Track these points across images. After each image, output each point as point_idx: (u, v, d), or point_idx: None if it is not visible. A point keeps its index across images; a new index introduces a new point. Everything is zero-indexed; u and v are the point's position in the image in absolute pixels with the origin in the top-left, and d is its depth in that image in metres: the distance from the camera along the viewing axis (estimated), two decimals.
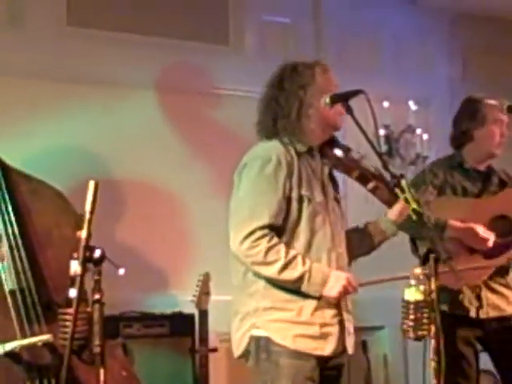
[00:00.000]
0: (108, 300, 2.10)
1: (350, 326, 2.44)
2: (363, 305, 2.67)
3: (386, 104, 3.30)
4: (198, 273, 3.43)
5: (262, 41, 4.25)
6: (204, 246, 3.70)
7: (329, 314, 2.39)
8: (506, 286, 3.18)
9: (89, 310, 2.12)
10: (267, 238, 2.30)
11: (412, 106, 3.60)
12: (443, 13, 4.45)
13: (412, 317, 2.18)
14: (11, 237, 2.78)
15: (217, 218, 3.07)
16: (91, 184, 2.00)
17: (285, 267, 2.30)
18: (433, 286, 2.14)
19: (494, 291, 3.15)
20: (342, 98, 2.36)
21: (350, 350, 2.43)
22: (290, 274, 2.30)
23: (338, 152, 2.47)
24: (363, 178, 2.46)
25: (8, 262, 2.75)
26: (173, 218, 3.91)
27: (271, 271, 2.30)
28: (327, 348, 2.36)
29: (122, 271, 2.26)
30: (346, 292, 2.35)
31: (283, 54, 3.80)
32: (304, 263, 2.31)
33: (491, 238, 3.01)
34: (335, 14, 4.32)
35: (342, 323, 2.41)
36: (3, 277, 2.71)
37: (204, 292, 3.39)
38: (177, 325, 3.60)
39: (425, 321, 2.18)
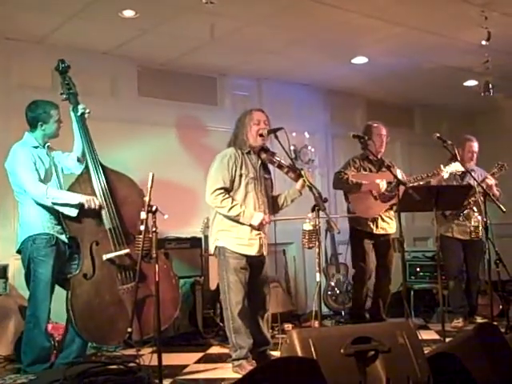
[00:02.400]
0: (159, 230, 3.50)
1: (265, 241, 4.00)
2: (284, 232, 4.11)
3: (294, 134, 5.08)
4: (203, 217, 5.23)
5: (233, 103, 6.42)
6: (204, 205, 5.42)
7: (253, 233, 3.93)
8: (390, 217, 5.25)
9: (150, 236, 3.47)
10: (222, 194, 3.85)
11: (306, 134, 5.47)
12: (320, 89, 6.91)
13: (306, 237, 3.94)
14: (106, 196, 3.90)
15: (204, 193, 4.97)
16: (151, 174, 3.47)
17: (230, 209, 3.83)
18: (317, 222, 3.86)
19: (383, 220, 5.22)
20: (273, 131, 4.03)
21: (265, 252, 4.02)
22: (233, 212, 3.84)
23: (268, 154, 4.05)
24: (280, 166, 4.01)
25: (105, 211, 3.88)
26: (188, 194, 5.74)
27: (224, 210, 3.85)
28: (252, 251, 3.95)
29: (166, 216, 3.57)
30: (262, 223, 3.91)
31: (243, 110, 5.89)
32: (241, 207, 3.84)
33: (383, 184, 5.02)
34: (271, 91, 6.60)
35: (260, 239, 3.97)
36: (104, 219, 3.88)
37: (206, 226, 5.09)
38: (193, 242, 5.45)
39: (313, 239, 3.92)
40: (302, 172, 3.97)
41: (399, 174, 5.18)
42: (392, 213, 5.28)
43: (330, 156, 6.92)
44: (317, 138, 5.74)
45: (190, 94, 6.13)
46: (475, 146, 5.64)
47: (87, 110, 4.11)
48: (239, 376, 3.71)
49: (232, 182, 3.96)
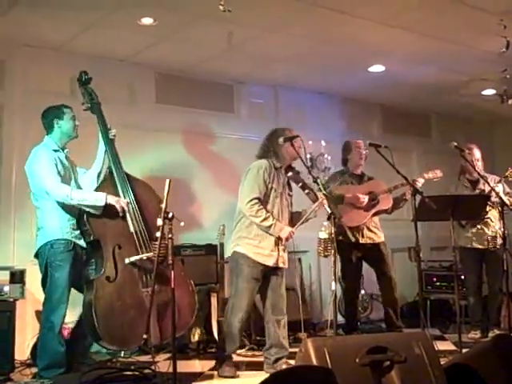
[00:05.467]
0: (175, 237, 3.46)
1: (284, 254, 4.11)
2: (300, 240, 4.17)
3: (310, 142, 4.83)
4: (219, 224, 5.28)
5: (249, 110, 6.47)
6: (220, 213, 5.45)
7: (273, 246, 4.05)
8: (376, 227, 5.30)
9: (165, 242, 3.46)
10: (257, 203, 4.00)
11: (323, 142, 5.42)
12: (336, 97, 6.95)
13: (322, 246, 3.97)
14: (130, 200, 3.99)
15: (220, 200, 5.44)
16: (167, 181, 3.41)
17: (264, 219, 4.00)
18: (332, 231, 3.88)
19: (370, 230, 5.26)
20: (289, 139, 4.13)
21: (282, 265, 4.12)
22: (266, 223, 4.01)
23: (294, 173, 4.17)
24: (303, 187, 4.06)
25: (129, 214, 3.93)
26: (204, 200, 5.83)
27: (258, 220, 4.00)
28: (270, 261, 4.06)
29: (182, 223, 3.70)
30: (289, 237, 4.08)
31: (259, 118, 6.23)
32: (273, 219, 4.01)
33: (365, 199, 5.12)
34: (287, 98, 6.65)
35: (279, 251, 4.08)
36: (129, 222, 3.91)
37: (222, 233, 5.21)
38: (208, 250, 5.44)
39: (328, 248, 3.95)
40: (319, 180, 4.04)
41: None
42: (377, 222, 5.36)
43: None
44: (333, 146, 5.72)
45: (206, 101, 6.16)
46: (477, 153, 5.55)
47: (113, 133, 4.19)
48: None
49: (266, 191, 4.11)
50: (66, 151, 4.14)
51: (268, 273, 4.14)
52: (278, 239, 4.11)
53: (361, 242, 5.23)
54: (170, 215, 3.39)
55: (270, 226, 4.05)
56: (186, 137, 6.00)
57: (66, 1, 4.32)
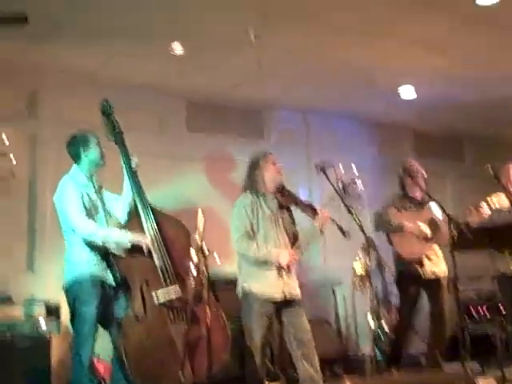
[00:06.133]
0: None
1: (292, 285, 3.89)
2: (333, 270, 4.06)
3: (341, 168, 4.54)
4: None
5: (279, 136, 6.40)
6: None
7: (279, 278, 3.85)
8: (436, 254, 4.85)
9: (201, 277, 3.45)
10: (245, 240, 3.85)
11: (354, 168, 5.34)
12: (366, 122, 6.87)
13: (357, 278, 3.84)
14: (156, 236, 3.83)
15: None
16: (200, 211, 3.35)
17: (256, 250, 3.82)
18: (368, 262, 3.76)
19: (430, 259, 4.84)
20: (321, 168, 4.02)
21: (289, 296, 3.87)
22: (260, 254, 3.82)
23: (283, 195, 3.98)
24: (296, 205, 3.96)
25: (155, 250, 3.78)
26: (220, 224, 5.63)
27: (251, 253, 3.84)
28: (277, 295, 3.85)
29: (218, 261, 3.81)
30: (292, 259, 3.84)
31: (289, 144, 6.13)
32: (266, 248, 3.82)
33: (426, 228, 4.73)
34: (317, 124, 6.57)
35: (284, 283, 3.86)
36: (155, 258, 3.77)
37: None
38: None
39: (364, 281, 3.81)
40: (352, 210, 3.93)
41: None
42: (436, 248, 4.95)
43: (378, 191, 6.72)
44: (364, 172, 5.60)
45: (236, 128, 6.12)
46: None
47: (136, 163, 4.07)
48: None
49: (251, 226, 3.98)
50: (94, 180, 4.10)
51: (281, 308, 3.97)
52: (280, 267, 3.90)
53: (424, 277, 4.82)
54: (206, 251, 3.33)
55: (265, 255, 3.89)
56: (215, 164, 5.97)
57: (97, 30, 4.36)
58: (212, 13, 4.29)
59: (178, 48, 4.71)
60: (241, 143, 6.11)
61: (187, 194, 5.59)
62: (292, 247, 4.02)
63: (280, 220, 4.06)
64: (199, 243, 3.33)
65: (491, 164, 4.62)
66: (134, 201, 4.01)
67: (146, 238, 3.85)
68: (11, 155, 4.76)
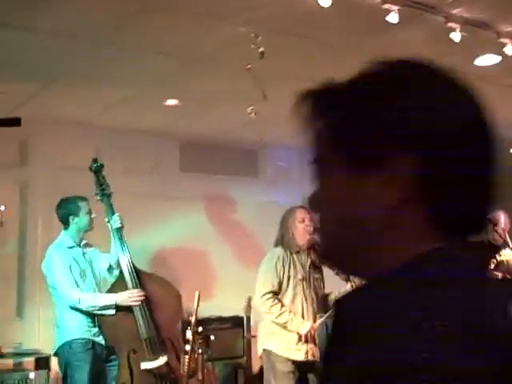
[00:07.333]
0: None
1: (314, 348, 3.84)
2: None
3: None
4: (244, 296, 4.81)
5: (274, 174, 6.42)
6: (247, 285, 4.50)
7: (298, 341, 3.81)
8: None
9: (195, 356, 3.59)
10: (271, 299, 3.78)
11: None
12: None
13: None
14: (142, 305, 3.80)
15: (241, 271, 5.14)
16: (197, 294, 3.55)
17: (278, 316, 3.78)
18: None
19: None
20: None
21: (312, 358, 3.82)
22: (281, 320, 3.79)
23: (316, 254, 3.90)
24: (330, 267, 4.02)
25: (141, 320, 3.79)
26: (230, 270, 5.63)
27: (272, 317, 3.80)
28: (300, 356, 3.82)
29: (212, 338, 3.83)
30: (308, 332, 3.80)
31: (284, 182, 6.05)
32: (289, 314, 3.76)
33: None
34: None
35: (307, 345, 3.82)
36: (141, 328, 3.78)
37: (248, 305, 4.73)
38: (235, 322, 5.28)
39: None
40: (351, 277, 3.84)
41: None
42: None
43: None
44: None
45: (230, 167, 6.12)
46: None
47: (119, 223, 4.01)
48: None
49: (280, 284, 3.88)
50: (83, 244, 4.08)
51: (304, 367, 3.89)
52: (299, 336, 3.84)
53: None
54: (200, 330, 3.40)
55: (286, 322, 3.82)
56: (209, 204, 5.96)
57: (91, 80, 4.31)
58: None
59: (172, 101, 4.72)
60: (235, 181, 6.12)
61: (182, 233, 5.57)
62: (318, 309, 3.94)
63: (311, 281, 3.96)
64: (193, 324, 3.42)
65: None
66: (119, 262, 3.97)
67: (132, 295, 3.80)
68: (2, 207, 4.70)
